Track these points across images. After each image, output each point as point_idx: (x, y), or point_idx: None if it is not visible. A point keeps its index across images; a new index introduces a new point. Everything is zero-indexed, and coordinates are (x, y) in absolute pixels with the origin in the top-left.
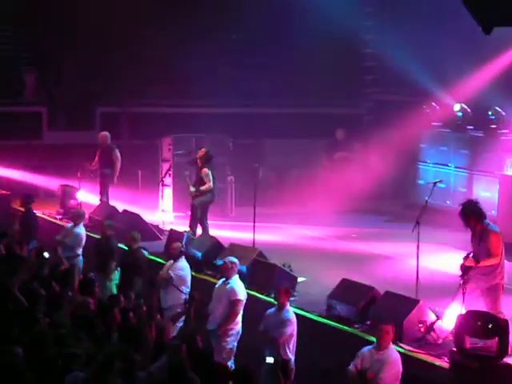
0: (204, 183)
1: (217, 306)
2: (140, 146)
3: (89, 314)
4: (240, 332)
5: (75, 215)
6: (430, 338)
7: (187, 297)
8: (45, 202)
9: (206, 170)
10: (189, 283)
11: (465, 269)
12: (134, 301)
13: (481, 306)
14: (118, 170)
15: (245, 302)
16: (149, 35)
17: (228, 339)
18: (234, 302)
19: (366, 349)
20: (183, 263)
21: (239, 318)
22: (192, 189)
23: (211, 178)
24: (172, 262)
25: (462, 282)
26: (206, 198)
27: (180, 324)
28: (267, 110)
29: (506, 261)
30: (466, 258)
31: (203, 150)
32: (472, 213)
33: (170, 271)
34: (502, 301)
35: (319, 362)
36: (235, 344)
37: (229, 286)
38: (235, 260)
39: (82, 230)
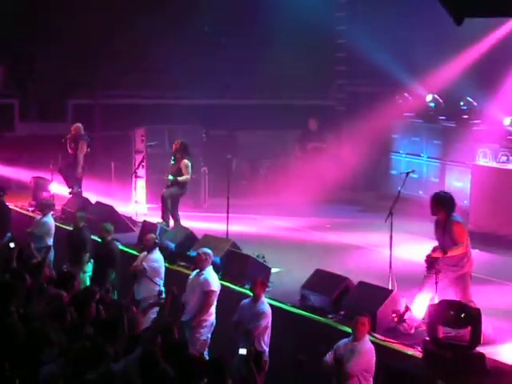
0: (182, 174)
1: (190, 297)
2: (113, 137)
3: (62, 306)
4: (214, 323)
5: (43, 205)
6: (401, 329)
7: (161, 288)
8: (17, 195)
9: (185, 161)
10: (162, 275)
11: (431, 260)
12: (110, 293)
13: (450, 295)
14: (79, 162)
15: (218, 292)
16: (121, 26)
17: (202, 330)
18: (207, 293)
19: (342, 341)
20: (157, 255)
21: (213, 309)
22: (170, 177)
23: (190, 170)
24: (146, 253)
25: (427, 273)
26: (176, 190)
27: (153, 315)
28: (240, 101)
29: (477, 250)
30: (433, 250)
31: (177, 141)
32: (444, 204)
33: (143, 263)
34: (472, 290)
35: (293, 353)
36: (209, 335)
37: (202, 277)
38: (209, 251)
39: (50, 220)
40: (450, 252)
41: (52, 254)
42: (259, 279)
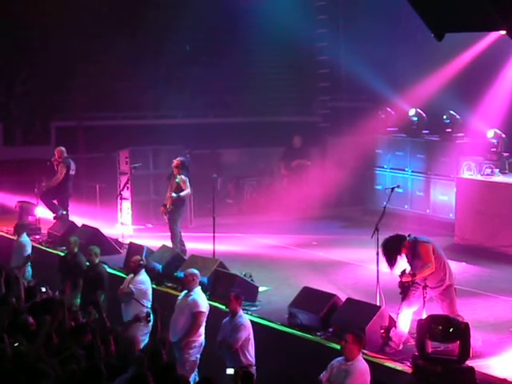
0: (181, 191)
1: (179, 318)
2: (97, 159)
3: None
4: (203, 344)
5: (17, 227)
6: (389, 349)
7: (149, 310)
8: (2, 219)
9: (183, 177)
10: (150, 296)
11: (402, 285)
12: (94, 316)
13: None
14: (53, 183)
15: (207, 313)
16: (103, 48)
17: (191, 351)
18: (196, 314)
19: (336, 360)
20: (143, 277)
21: (202, 330)
22: (174, 194)
23: (188, 185)
24: (132, 275)
25: (402, 296)
26: (178, 208)
27: (142, 337)
28: (223, 119)
29: (464, 263)
30: (401, 274)
31: (178, 159)
32: (393, 250)
33: (130, 285)
34: (459, 303)
35: (283, 371)
36: (198, 356)
37: (191, 298)
38: (196, 272)
39: (25, 239)
40: (419, 274)
41: (29, 271)
42: (233, 294)
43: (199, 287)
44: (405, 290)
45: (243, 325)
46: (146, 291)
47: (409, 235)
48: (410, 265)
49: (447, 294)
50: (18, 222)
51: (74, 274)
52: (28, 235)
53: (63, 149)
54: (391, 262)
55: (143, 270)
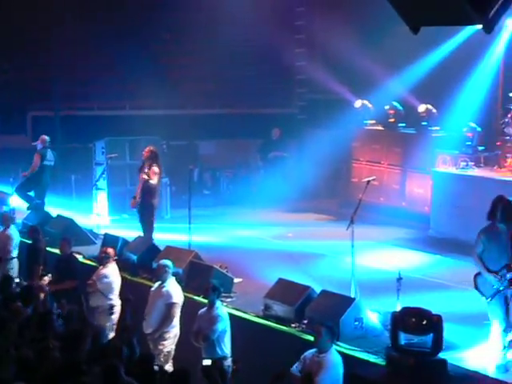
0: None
1: (153, 309)
2: (73, 149)
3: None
4: (177, 335)
5: (4, 218)
6: None
7: (113, 302)
8: None
9: (155, 168)
10: (115, 290)
11: None
12: (68, 307)
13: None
14: (28, 173)
15: (181, 304)
16: (80, 38)
17: (165, 342)
18: (169, 306)
19: (308, 352)
20: (109, 269)
21: (176, 321)
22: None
23: (157, 177)
24: (101, 267)
25: None
26: (148, 203)
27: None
28: (200, 111)
29: (439, 255)
30: None
31: (147, 149)
32: None
33: (94, 277)
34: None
35: (257, 363)
36: (173, 347)
37: (164, 289)
38: (168, 263)
39: (13, 231)
40: None
41: (16, 265)
42: (211, 285)
43: (173, 278)
44: None
45: (220, 316)
46: (111, 285)
47: None
48: None
49: None
50: (4, 213)
51: (33, 259)
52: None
53: (42, 138)
54: None
55: (111, 262)
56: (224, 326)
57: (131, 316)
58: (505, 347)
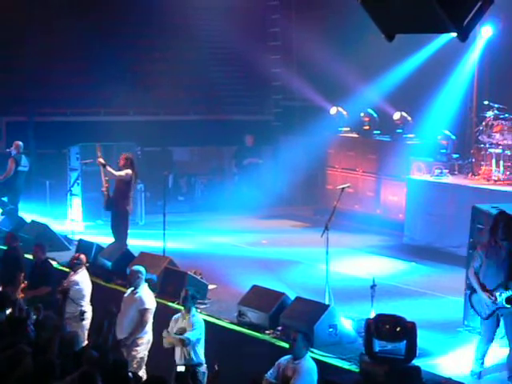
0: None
1: (125, 315)
2: (47, 155)
3: None
4: (151, 341)
5: None
6: None
7: (83, 309)
8: None
9: (128, 171)
10: (86, 297)
11: None
12: (44, 312)
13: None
14: (4, 176)
15: (154, 310)
16: (56, 44)
17: (138, 348)
18: (142, 312)
19: (283, 358)
20: (80, 276)
21: (149, 327)
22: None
23: (123, 173)
24: (72, 273)
25: None
26: (125, 210)
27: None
28: (175, 117)
29: (413, 263)
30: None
31: (122, 157)
32: None
33: (66, 283)
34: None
35: (231, 370)
36: (146, 353)
37: (137, 295)
38: (141, 269)
39: None
40: None
41: None
42: (188, 292)
43: (146, 284)
44: None
45: (196, 324)
46: (81, 291)
47: None
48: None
49: None
50: None
51: (12, 267)
52: None
53: (18, 144)
54: None
55: (82, 269)
56: (200, 333)
57: (109, 325)
58: (483, 356)
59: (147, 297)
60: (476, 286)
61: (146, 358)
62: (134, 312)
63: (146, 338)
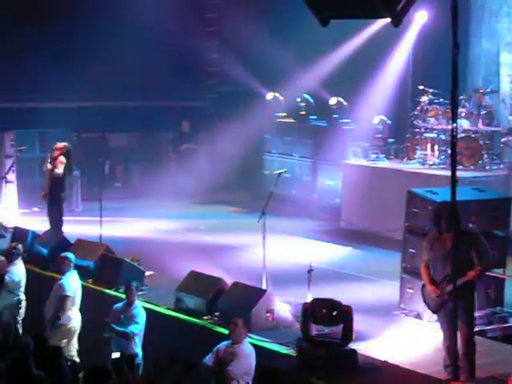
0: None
1: (51, 301)
2: None
3: None
4: (77, 328)
5: None
6: None
7: (20, 298)
8: None
9: (61, 157)
10: (22, 287)
11: None
12: None
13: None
14: None
15: (75, 298)
16: None
17: (61, 335)
18: (61, 298)
19: (222, 344)
20: (17, 267)
21: (72, 314)
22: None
23: (63, 166)
24: (8, 263)
25: None
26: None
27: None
28: (111, 103)
29: (350, 247)
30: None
31: (60, 145)
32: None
33: (5, 275)
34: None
35: (169, 355)
36: (74, 341)
37: (60, 281)
38: (69, 255)
39: None
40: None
41: None
42: (132, 284)
43: (73, 271)
44: None
45: (139, 316)
46: (19, 282)
47: None
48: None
49: None
50: None
51: None
52: None
53: None
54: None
55: (19, 258)
56: (142, 325)
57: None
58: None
59: (69, 283)
60: (425, 278)
61: (76, 345)
62: (55, 298)
63: (70, 324)
